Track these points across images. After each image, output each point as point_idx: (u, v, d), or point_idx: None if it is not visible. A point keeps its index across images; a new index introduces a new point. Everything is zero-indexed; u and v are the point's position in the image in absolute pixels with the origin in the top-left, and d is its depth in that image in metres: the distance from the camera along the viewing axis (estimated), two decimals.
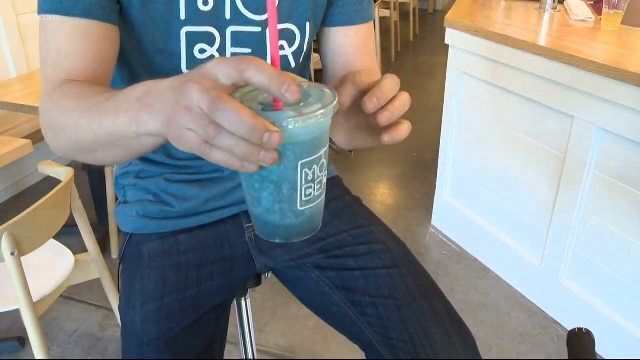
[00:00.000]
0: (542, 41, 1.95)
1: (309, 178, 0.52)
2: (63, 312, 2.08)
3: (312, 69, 1.11)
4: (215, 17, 0.78)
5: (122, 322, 0.88)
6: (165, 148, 0.89)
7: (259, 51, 0.82)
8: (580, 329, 0.85)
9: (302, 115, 0.48)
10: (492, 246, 2.31)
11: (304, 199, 0.53)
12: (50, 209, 1.46)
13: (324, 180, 0.55)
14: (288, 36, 0.84)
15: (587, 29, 2.14)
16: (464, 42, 2.21)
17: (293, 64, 0.87)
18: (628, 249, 1.73)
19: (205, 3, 0.77)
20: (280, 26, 0.83)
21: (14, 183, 2.80)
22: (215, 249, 0.92)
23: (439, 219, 2.62)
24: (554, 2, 2.41)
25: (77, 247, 1.69)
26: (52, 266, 1.64)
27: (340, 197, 1.01)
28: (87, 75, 0.71)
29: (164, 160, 0.91)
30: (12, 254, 1.34)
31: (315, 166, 0.52)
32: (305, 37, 0.86)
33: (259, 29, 0.81)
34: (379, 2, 4.42)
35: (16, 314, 1.44)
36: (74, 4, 0.70)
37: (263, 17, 0.81)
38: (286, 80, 0.46)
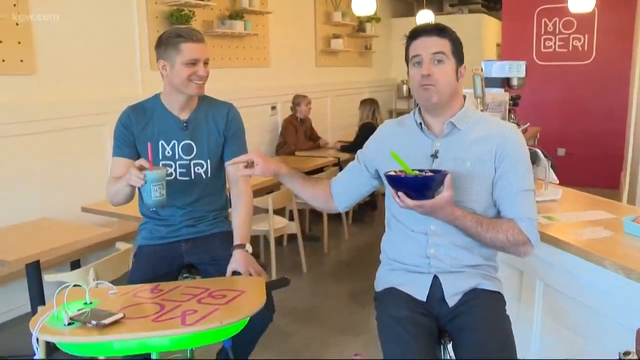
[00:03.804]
0: None
1: (154, 189, 1.78)
2: None
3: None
4: (172, 157, 2.09)
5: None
6: (156, 212, 2.16)
7: (187, 170, 2.11)
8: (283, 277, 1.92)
9: (149, 171, 1.78)
10: None
11: (153, 196, 1.79)
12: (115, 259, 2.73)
13: (162, 192, 1.81)
14: (201, 165, 2.14)
15: None
16: None
17: (204, 177, 2.16)
18: None
19: (167, 152, 2.08)
20: (198, 160, 2.13)
21: None
22: (169, 252, 2.15)
23: None
24: None
25: None
26: None
27: (225, 235, 2.23)
28: (122, 175, 2.00)
29: (153, 216, 2.17)
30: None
31: (157, 186, 1.79)
32: (208, 165, 2.16)
33: (187, 162, 2.11)
34: None
35: None
36: (120, 152, 2.05)
37: (190, 157, 2.11)
38: (142, 166, 1.79)
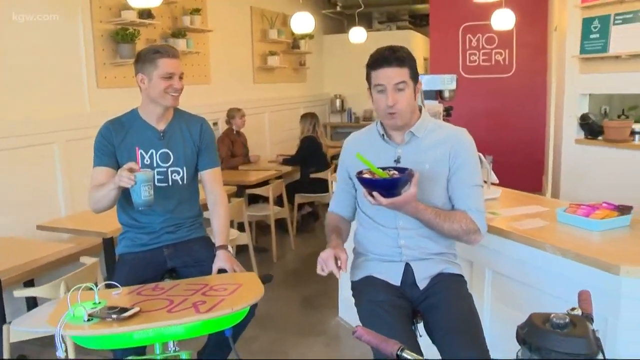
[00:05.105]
0: None
1: (144, 189, 1.93)
2: None
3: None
4: (150, 165, 2.21)
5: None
6: (135, 219, 2.27)
7: (165, 176, 2.25)
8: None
9: (138, 172, 1.93)
10: None
11: (143, 195, 1.93)
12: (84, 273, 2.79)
13: (151, 192, 1.96)
14: (177, 172, 2.27)
15: None
16: None
17: (181, 183, 2.29)
18: None
19: (146, 160, 2.21)
20: (175, 168, 2.26)
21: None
22: (152, 258, 2.26)
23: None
24: None
25: None
26: None
27: (203, 239, 2.37)
28: (104, 182, 2.11)
29: (134, 224, 2.28)
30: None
31: (146, 187, 1.93)
32: (184, 172, 2.30)
33: (165, 169, 2.25)
34: None
35: None
36: (101, 162, 2.15)
37: (167, 165, 2.25)
38: (131, 168, 1.93)
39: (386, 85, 1.92)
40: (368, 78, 2.01)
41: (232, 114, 5.81)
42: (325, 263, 1.87)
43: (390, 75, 1.92)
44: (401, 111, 1.93)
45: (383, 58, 1.94)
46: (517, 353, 1.14)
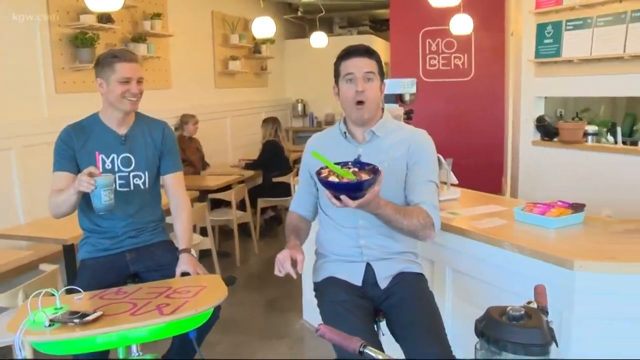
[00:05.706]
0: None
1: (104, 194, 1.91)
2: None
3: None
4: (111, 169, 2.19)
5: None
6: (97, 224, 2.24)
7: (127, 181, 2.23)
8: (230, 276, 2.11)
9: (98, 177, 1.91)
10: None
11: (103, 200, 1.91)
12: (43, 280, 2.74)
13: (111, 196, 1.94)
14: (139, 176, 2.26)
15: None
16: None
17: (142, 187, 2.27)
18: None
19: (107, 165, 2.18)
20: (136, 172, 2.25)
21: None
22: (114, 263, 2.23)
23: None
24: None
25: None
26: None
27: (166, 243, 2.36)
28: (64, 187, 2.09)
29: (95, 229, 2.25)
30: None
31: (107, 191, 1.92)
32: (146, 176, 2.28)
33: (126, 174, 2.23)
34: None
35: None
36: (61, 166, 2.12)
37: (129, 169, 2.23)
38: (91, 173, 1.91)
39: (356, 73, 1.98)
40: (336, 71, 2.06)
41: (186, 120, 5.75)
42: (281, 264, 1.90)
43: (360, 65, 1.99)
44: (369, 100, 1.99)
45: (354, 49, 2.03)
46: (475, 345, 1.18)
